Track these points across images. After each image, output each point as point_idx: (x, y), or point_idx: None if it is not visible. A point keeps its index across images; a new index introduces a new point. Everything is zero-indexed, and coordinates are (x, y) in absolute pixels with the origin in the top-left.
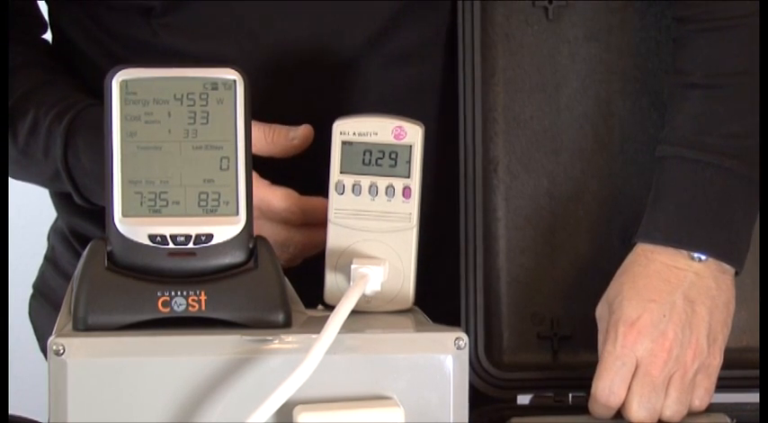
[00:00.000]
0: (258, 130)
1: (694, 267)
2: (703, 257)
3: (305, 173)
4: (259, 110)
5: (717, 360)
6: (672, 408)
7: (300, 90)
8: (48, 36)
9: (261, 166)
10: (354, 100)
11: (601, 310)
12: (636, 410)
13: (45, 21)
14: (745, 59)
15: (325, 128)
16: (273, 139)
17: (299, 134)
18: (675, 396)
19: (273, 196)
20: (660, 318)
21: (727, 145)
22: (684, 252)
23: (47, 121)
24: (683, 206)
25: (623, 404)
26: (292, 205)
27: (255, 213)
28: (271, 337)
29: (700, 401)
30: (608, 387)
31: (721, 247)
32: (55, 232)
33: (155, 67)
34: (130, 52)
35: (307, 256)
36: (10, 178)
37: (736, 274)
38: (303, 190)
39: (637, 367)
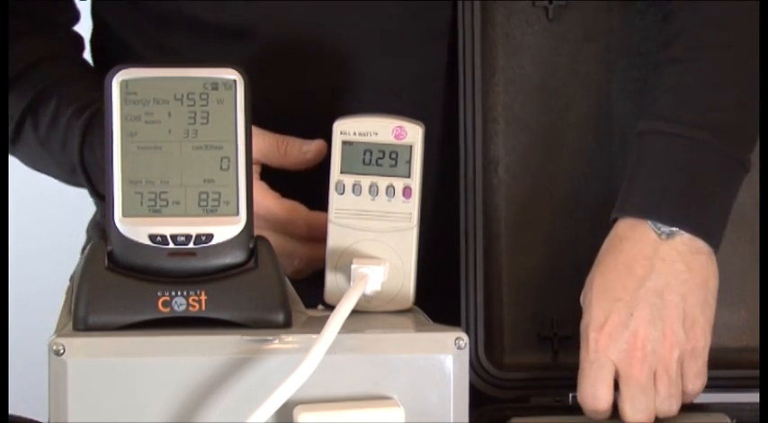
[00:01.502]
0: (271, 140)
1: (661, 253)
2: (674, 230)
3: (310, 177)
4: (258, 101)
5: (701, 342)
6: (664, 403)
7: (299, 82)
8: (79, 28)
9: (266, 173)
10: (355, 92)
11: (582, 298)
12: (630, 414)
13: (77, 11)
14: (728, 32)
15: (323, 121)
16: (286, 150)
17: (313, 148)
18: (665, 391)
19: (281, 208)
20: (628, 317)
21: (703, 117)
22: (650, 225)
23: (67, 114)
24: (654, 178)
25: (619, 409)
26: (299, 219)
27: (261, 224)
28: (271, 337)
29: (693, 385)
30: (591, 393)
31: (691, 220)
32: (94, 226)
33: (155, 66)
34: (161, 29)
35: (314, 269)
36: (39, 173)
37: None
38: (307, 194)
39: (619, 370)
